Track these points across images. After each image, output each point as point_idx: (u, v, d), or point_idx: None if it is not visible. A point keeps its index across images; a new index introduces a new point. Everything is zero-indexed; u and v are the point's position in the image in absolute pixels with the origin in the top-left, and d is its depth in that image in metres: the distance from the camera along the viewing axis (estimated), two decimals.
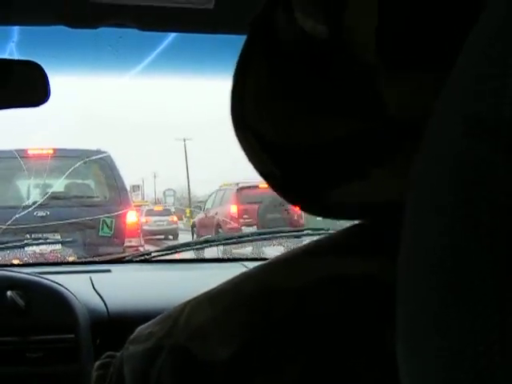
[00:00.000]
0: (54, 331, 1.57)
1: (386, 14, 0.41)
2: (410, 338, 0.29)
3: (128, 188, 7.79)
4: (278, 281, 0.46)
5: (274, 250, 2.91)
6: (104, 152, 6.74)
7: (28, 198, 6.47)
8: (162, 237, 16.90)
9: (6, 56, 1.60)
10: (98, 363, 0.54)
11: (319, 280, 0.44)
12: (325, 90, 0.44)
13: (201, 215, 13.89)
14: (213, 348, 0.44)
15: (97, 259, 2.70)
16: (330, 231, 2.63)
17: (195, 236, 13.36)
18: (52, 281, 1.67)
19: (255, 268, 0.49)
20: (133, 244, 6.21)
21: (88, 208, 6.38)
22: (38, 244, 4.37)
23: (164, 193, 28.99)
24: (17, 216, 5.66)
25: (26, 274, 1.70)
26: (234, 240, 2.51)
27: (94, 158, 6.63)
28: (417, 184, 0.30)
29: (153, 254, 2.39)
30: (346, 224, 0.55)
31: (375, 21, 0.41)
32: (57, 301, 1.61)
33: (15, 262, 2.60)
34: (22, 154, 6.48)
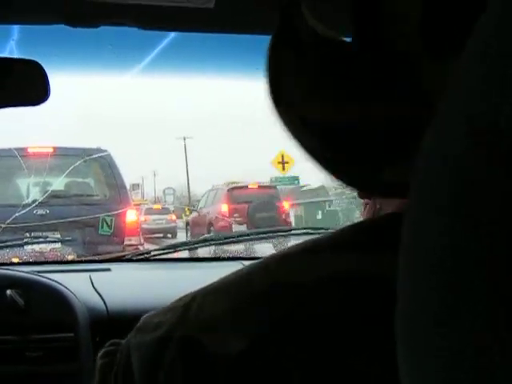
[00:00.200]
0: (54, 330, 1.57)
1: (428, 3, 0.42)
2: (409, 337, 0.29)
3: (128, 186, 7.79)
4: (291, 276, 0.46)
5: (264, 249, 2.92)
6: (104, 150, 6.74)
7: (28, 197, 6.47)
8: (161, 235, 17.10)
9: (5, 54, 1.60)
10: (102, 351, 0.55)
11: (331, 276, 0.44)
12: (366, 76, 0.45)
13: (194, 214, 14.35)
14: (225, 341, 0.44)
15: (96, 258, 2.70)
16: (329, 230, 2.63)
17: (189, 234, 14.05)
18: (51, 279, 1.67)
19: (265, 261, 0.50)
20: (132, 243, 6.21)
21: (88, 206, 6.38)
22: (37, 243, 4.37)
23: (164, 191, 28.98)
24: (17, 215, 5.66)
25: (25, 272, 1.70)
26: (233, 239, 2.52)
27: (93, 156, 6.63)
28: (418, 183, 0.30)
29: (152, 253, 2.39)
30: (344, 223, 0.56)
31: (419, 10, 0.42)
32: (56, 299, 1.61)
33: (15, 260, 2.59)
34: (21, 152, 6.47)
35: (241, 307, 0.46)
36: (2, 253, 2.77)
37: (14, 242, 3.04)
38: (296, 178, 20.03)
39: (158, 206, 21.59)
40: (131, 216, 6.56)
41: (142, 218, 14.45)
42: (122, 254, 2.56)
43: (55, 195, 6.47)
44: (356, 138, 0.47)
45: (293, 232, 2.77)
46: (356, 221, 0.56)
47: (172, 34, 1.59)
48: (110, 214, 6.30)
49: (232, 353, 0.43)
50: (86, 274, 1.94)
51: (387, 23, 0.43)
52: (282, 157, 17.10)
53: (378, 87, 0.45)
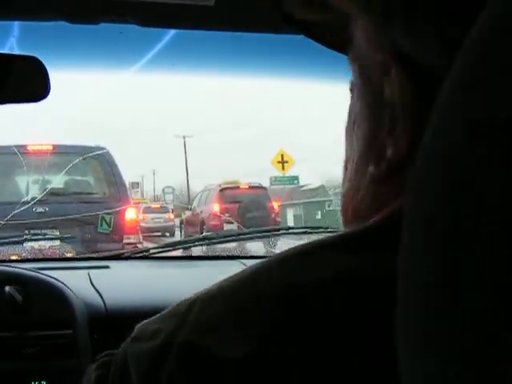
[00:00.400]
0: (52, 327, 1.57)
1: None
2: (410, 336, 0.29)
3: (127, 185, 7.79)
4: (293, 277, 0.45)
5: (263, 247, 2.92)
6: (103, 148, 6.74)
7: (27, 194, 6.47)
8: (159, 234, 17.27)
9: (6, 51, 1.60)
10: (96, 363, 0.53)
11: (332, 276, 0.44)
12: None
13: (188, 213, 15.03)
14: (228, 345, 0.43)
15: (95, 255, 2.70)
16: (328, 229, 2.63)
17: (183, 232, 14.85)
18: (50, 276, 1.67)
19: (268, 262, 0.49)
20: (131, 241, 6.22)
21: (87, 204, 6.38)
22: (36, 240, 4.37)
23: (163, 190, 29.05)
24: (15, 211, 5.66)
25: (23, 269, 1.70)
26: (233, 237, 2.52)
27: (93, 153, 6.63)
28: (417, 183, 0.30)
29: (151, 251, 2.39)
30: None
31: None
32: (54, 296, 1.61)
33: (13, 257, 2.59)
34: (21, 149, 6.48)
35: (245, 308, 0.45)
36: (0, 250, 2.78)
37: (13, 239, 3.03)
38: (296, 178, 20.06)
39: (156, 205, 21.76)
40: (130, 214, 6.57)
41: (141, 216, 14.55)
42: (121, 251, 2.56)
43: (54, 193, 6.47)
44: None
45: (292, 231, 2.77)
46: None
47: (172, 32, 1.59)
48: (109, 212, 6.31)
49: (237, 356, 0.42)
50: (85, 271, 1.94)
51: None
52: (282, 156, 17.12)
53: None
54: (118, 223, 6.31)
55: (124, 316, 1.58)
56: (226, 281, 0.48)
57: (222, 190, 13.33)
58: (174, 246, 2.49)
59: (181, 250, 2.50)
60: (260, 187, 14.02)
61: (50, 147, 6.74)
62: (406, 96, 0.46)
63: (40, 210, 6.15)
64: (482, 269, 0.25)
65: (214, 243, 2.48)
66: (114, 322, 1.57)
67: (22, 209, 5.84)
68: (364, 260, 0.44)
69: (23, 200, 6.16)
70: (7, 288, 1.55)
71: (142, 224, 13.58)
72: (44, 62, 1.36)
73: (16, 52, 1.49)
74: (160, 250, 2.42)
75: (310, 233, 2.53)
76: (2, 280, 1.58)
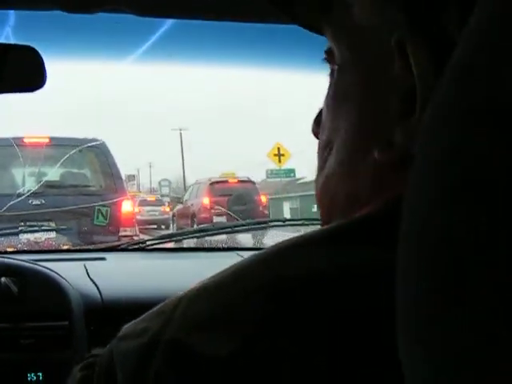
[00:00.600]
0: (48, 318, 1.57)
1: None
2: (411, 328, 0.28)
3: (123, 177, 7.79)
4: (284, 272, 0.44)
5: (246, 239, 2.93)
6: (99, 140, 6.73)
7: (23, 186, 6.46)
8: (155, 226, 17.48)
9: (1, 40, 1.59)
10: (81, 364, 0.52)
11: (326, 271, 0.43)
12: None
13: (180, 206, 15.68)
14: (215, 342, 0.42)
15: (91, 247, 2.70)
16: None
17: (175, 224, 15.36)
18: (46, 267, 1.67)
19: (253, 259, 0.47)
20: (128, 233, 6.21)
21: (83, 197, 6.37)
22: (32, 231, 4.36)
23: (159, 183, 29.09)
24: (11, 203, 5.65)
25: (19, 260, 1.69)
26: (229, 229, 2.51)
27: (88, 145, 6.62)
28: (416, 175, 0.29)
29: (148, 243, 2.39)
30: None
31: None
32: (51, 288, 1.60)
33: (9, 249, 2.59)
34: (17, 141, 6.46)
35: (231, 305, 0.44)
36: None
37: (9, 231, 3.03)
38: (292, 171, 20.08)
39: (151, 198, 21.88)
40: (127, 207, 6.56)
41: (136, 209, 14.65)
42: (117, 243, 2.56)
43: (51, 185, 6.46)
44: None
45: (289, 223, 2.77)
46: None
47: (169, 22, 1.58)
48: (105, 204, 6.30)
49: (223, 354, 0.41)
50: (81, 263, 1.93)
51: None
52: (278, 149, 17.14)
53: None
54: (115, 216, 6.30)
55: (120, 307, 1.57)
56: (213, 277, 0.47)
57: (211, 184, 13.93)
58: (170, 237, 2.49)
59: (177, 242, 2.50)
60: (248, 181, 14.52)
61: (47, 139, 6.73)
62: (427, 77, 0.43)
63: (36, 202, 6.14)
64: (483, 258, 0.24)
65: (210, 235, 2.48)
66: (110, 313, 1.57)
67: (17, 200, 5.83)
68: (356, 254, 0.43)
69: (18, 192, 6.15)
70: (3, 279, 1.55)
71: (138, 217, 13.71)
72: (40, 51, 1.35)
73: (12, 41, 1.48)
74: (156, 241, 2.42)
75: (307, 225, 2.53)
76: None
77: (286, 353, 0.40)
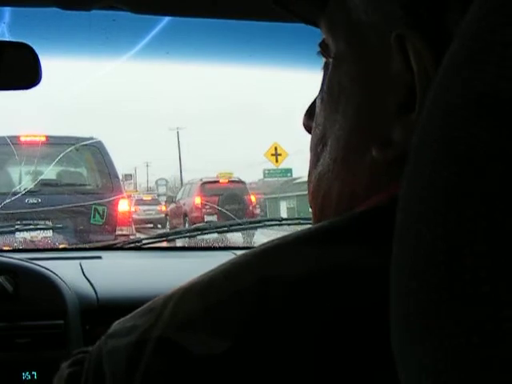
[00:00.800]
0: (43, 317, 1.56)
1: None
2: (405, 324, 0.28)
3: (120, 177, 7.79)
4: (273, 271, 0.43)
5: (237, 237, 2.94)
6: (96, 139, 6.73)
7: (19, 185, 6.45)
8: (151, 225, 17.74)
9: None
10: (69, 360, 0.51)
11: (315, 270, 0.42)
12: None
13: (172, 205, 16.28)
14: (205, 341, 0.41)
15: (87, 246, 2.70)
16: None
17: (168, 223, 15.96)
18: (41, 266, 1.66)
19: (243, 257, 0.47)
20: (124, 232, 6.21)
21: (80, 196, 6.37)
22: (28, 230, 4.36)
23: (156, 182, 29.13)
24: (6, 201, 5.64)
25: (15, 259, 1.69)
26: (225, 228, 2.52)
27: (85, 143, 6.62)
28: (412, 170, 0.29)
29: (143, 242, 2.39)
30: None
31: None
32: (46, 286, 1.60)
33: (5, 248, 2.58)
34: (14, 140, 6.45)
35: (220, 305, 0.43)
36: None
37: (5, 229, 3.02)
38: (289, 171, 20.11)
39: (148, 197, 22.06)
40: (123, 206, 6.56)
41: (133, 208, 14.83)
42: (113, 242, 2.56)
43: (47, 184, 6.46)
44: None
45: (285, 222, 2.77)
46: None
47: (165, 19, 1.57)
48: (101, 201, 6.30)
49: (214, 353, 0.41)
50: (77, 262, 1.93)
51: None
52: (276, 149, 17.16)
53: None
54: (111, 215, 6.30)
55: (116, 306, 1.57)
56: (203, 276, 0.47)
57: (203, 184, 14.49)
58: (166, 236, 2.49)
59: (173, 241, 2.50)
60: (238, 181, 15.06)
61: (43, 138, 6.73)
62: (427, 73, 0.43)
63: (33, 200, 6.14)
64: (478, 252, 0.24)
65: (207, 234, 2.48)
66: (106, 312, 1.57)
67: (13, 198, 5.82)
68: (346, 253, 0.43)
69: (14, 190, 6.14)
70: None
71: (134, 216, 13.87)
72: (35, 48, 1.34)
73: (7, 39, 1.47)
74: (152, 240, 2.42)
75: (303, 224, 2.53)
76: None
77: (276, 352, 0.40)
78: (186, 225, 13.18)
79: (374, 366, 0.37)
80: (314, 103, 0.57)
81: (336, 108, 0.51)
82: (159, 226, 18.33)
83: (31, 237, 4.45)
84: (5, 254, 1.85)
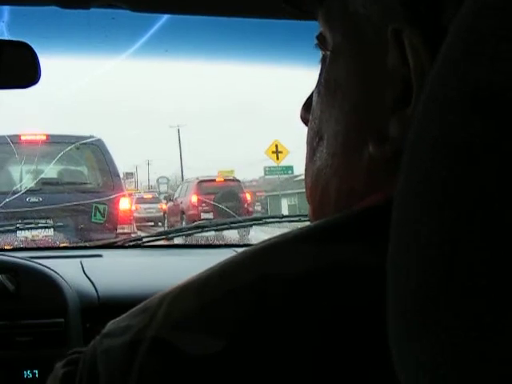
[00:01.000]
0: (44, 315, 1.56)
1: None
2: (401, 320, 0.28)
3: (121, 175, 7.79)
4: (271, 269, 0.43)
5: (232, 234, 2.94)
6: (96, 137, 6.72)
7: (21, 184, 6.45)
8: (152, 224, 17.89)
9: None
10: (64, 360, 0.51)
11: (314, 268, 0.42)
12: None
13: (170, 203, 16.55)
14: (200, 340, 0.41)
15: (88, 244, 2.70)
16: None
17: (166, 221, 16.37)
18: (42, 265, 1.67)
19: (240, 256, 0.46)
20: (125, 231, 6.20)
21: (81, 194, 6.37)
22: (29, 228, 4.36)
23: (157, 180, 29.12)
24: (7, 200, 5.63)
25: (16, 258, 1.69)
26: (226, 226, 2.52)
27: (85, 141, 6.61)
28: (409, 153, 0.29)
29: (144, 240, 2.39)
30: None
31: None
32: (46, 285, 1.60)
33: (6, 247, 2.58)
34: (14, 139, 6.45)
35: (216, 304, 0.43)
36: None
37: (6, 228, 3.02)
38: (290, 168, 20.12)
39: (148, 195, 22.16)
40: (124, 204, 6.56)
41: (133, 206, 14.95)
42: (114, 240, 2.56)
43: (48, 183, 6.46)
44: None
45: (286, 219, 2.77)
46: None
47: (165, 17, 1.57)
48: (102, 199, 6.30)
49: (209, 353, 0.40)
50: (77, 260, 1.93)
51: None
52: (276, 146, 17.16)
53: None
54: (112, 213, 6.30)
55: (116, 305, 1.57)
56: (199, 275, 0.46)
57: (199, 183, 14.90)
58: (166, 234, 2.49)
59: (173, 239, 2.50)
60: (234, 180, 15.62)
61: (44, 137, 6.72)
62: (424, 68, 0.42)
63: (34, 199, 6.13)
64: (477, 248, 0.24)
65: (207, 231, 2.48)
66: (107, 310, 1.57)
67: (14, 197, 5.81)
68: (344, 251, 0.42)
69: (14, 188, 6.13)
70: None
71: (135, 214, 13.93)
72: (34, 47, 1.34)
73: (6, 37, 1.47)
74: (153, 238, 2.42)
75: (304, 221, 2.53)
76: None
77: (273, 351, 0.39)
78: (183, 222, 13.43)
79: (373, 364, 0.37)
80: (311, 96, 0.57)
81: (333, 102, 0.50)
82: (160, 224, 18.41)
83: (32, 236, 4.45)
84: (6, 253, 1.86)
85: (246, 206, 13.53)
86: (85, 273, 1.79)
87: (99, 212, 6.20)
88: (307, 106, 0.58)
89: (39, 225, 5.02)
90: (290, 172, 20.39)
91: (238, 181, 15.59)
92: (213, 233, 2.55)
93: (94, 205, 6.20)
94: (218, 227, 2.50)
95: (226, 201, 12.04)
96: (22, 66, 1.34)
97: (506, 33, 0.24)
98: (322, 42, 0.53)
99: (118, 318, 0.49)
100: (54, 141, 6.77)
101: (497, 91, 0.24)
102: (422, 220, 0.27)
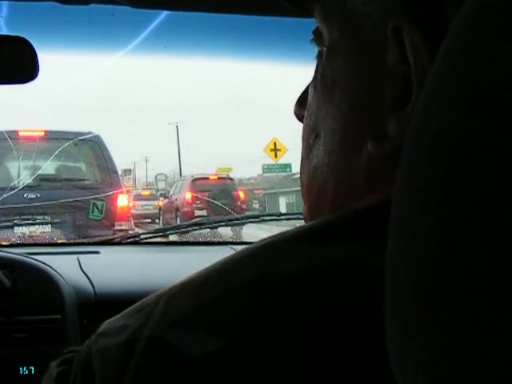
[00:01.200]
0: (41, 311, 1.56)
1: None
2: (399, 318, 0.28)
3: (119, 172, 7.79)
4: (271, 267, 0.43)
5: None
6: (94, 134, 6.72)
7: (18, 180, 6.44)
8: (149, 220, 18.03)
9: None
10: (58, 360, 0.50)
11: (312, 267, 0.42)
12: None
13: (165, 201, 16.94)
14: (198, 339, 0.41)
15: (85, 240, 2.69)
16: None
17: (161, 218, 16.61)
18: (39, 261, 1.66)
19: (238, 254, 0.46)
20: (123, 227, 6.21)
21: (78, 190, 6.36)
22: (26, 224, 4.36)
23: (155, 177, 29.18)
24: (4, 196, 5.63)
25: (13, 253, 1.69)
26: (224, 223, 2.52)
27: (83, 137, 6.61)
28: (408, 151, 0.29)
29: (142, 236, 2.39)
30: None
31: None
32: (43, 281, 1.60)
33: (3, 243, 2.58)
34: (12, 135, 6.44)
35: (214, 302, 0.43)
36: None
37: (4, 224, 3.02)
38: (288, 166, 20.16)
39: (146, 192, 22.26)
40: (122, 201, 6.56)
41: (131, 203, 15.06)
42: (112, 237, 2.56)
43: (46, 179, 6.45)
44: None
45: (285, 217, 2.77)
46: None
47: (164, 13, 1.57)
48: (100, 196, 6.30)
49: (207, 352, 0.40)
50: (74, 257, 1.93)
51: None
52: (275, 144, 17.19)
53: None
54: (110, 210, 6.30)
55: (113, 301, 1.57)
56: (197, 273, 0.46)
57: (193, 181, 15.27)
58: (164, 231, 2.49)
59: (171, 236, 2.50)
60: (227, 178, 16.01)
61: (42, 133, 6.72)
62: (424, 66, 0.42)
63: (31, 195, 6.13)
64: (475, 246, 0.24)
65: (205, 228, 2.48)
66: (104, 307, 1.57)
67: (11, 193, 5.81)
68: (342, 250, 0.42)
69: (12, 184, 6.13)
70: None
71: (133, 211, 14.00)
72: (33, 43, 1.34)
73: (4, 33, 1.47)
74: (150, 235, 2.42)
75: (302, 219, 2.53)
76: None
77: (272, 349, 0.39)
78: (178, 219, 13.64)
79: (371, 362, 0.37)
80: (305, 91, 0.56)
81: (329, 99, 0.50)
82: (157, 220, 18.53)
83: (30, 231, 4.45)
84: (3, 249, 1.85)
85: (239, 203, 13.80)
86: (82, 269, 1.78)
87: (97, 208, 6.20)
88: (301, 102, 0.57)
89: (37, 221, 5.01)
90: (288, 170, 20.44)
91: (231, 179, 15.99)
92: (207, 230, 2.55)
93: (92, 201, 6.20)
94: (216, 224, 2.50)
95: (220, 198, 12.28)
96: (21, 62, 1.34)
97: (506, 32, 0.24)
98: (318, 37, 0.52)
99: (113, 318, 0.48)
100: (52, 137, 6.76)
101: (497, 91, 0.24)
102: (421, 218, 0.26)
